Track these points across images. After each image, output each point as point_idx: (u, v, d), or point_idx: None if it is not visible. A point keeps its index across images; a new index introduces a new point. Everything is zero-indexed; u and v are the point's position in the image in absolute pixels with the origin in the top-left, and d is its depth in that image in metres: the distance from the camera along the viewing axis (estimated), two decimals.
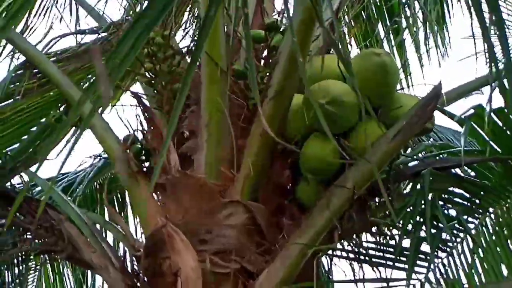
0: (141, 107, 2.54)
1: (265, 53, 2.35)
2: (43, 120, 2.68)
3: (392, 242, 2.17)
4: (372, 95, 1.92)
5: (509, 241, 2.40)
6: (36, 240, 2.61)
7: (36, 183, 3.00)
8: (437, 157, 2.28)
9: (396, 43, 2.92)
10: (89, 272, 3.52)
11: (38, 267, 3.20)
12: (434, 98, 1.78)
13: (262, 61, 2.34)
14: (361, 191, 1.92)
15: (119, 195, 3.52)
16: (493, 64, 0.98)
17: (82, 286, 3.47)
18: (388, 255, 2.09)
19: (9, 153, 2.59)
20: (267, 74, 2.25)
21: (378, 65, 1.86)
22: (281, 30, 2.29)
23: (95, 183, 3.53)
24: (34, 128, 2.67)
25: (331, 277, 2.25)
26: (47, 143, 2.69)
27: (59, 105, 2.73)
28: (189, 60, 2.63)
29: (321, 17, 1.42)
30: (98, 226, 2.68)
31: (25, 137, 2.68)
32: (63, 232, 2.46)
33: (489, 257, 2.32)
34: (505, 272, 2.35)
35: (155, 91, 2.58)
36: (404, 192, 2.29)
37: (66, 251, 2.44)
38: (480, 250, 2.33)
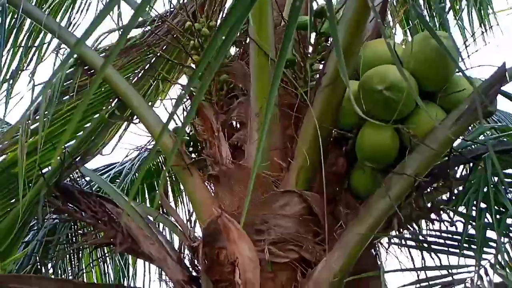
0: (190, 99, 2.56)
1: (313, 40, 2.31)
2: (96, 116, 2.74)
3: (451, 229, 2.12)
4: (431, 78, 1.86)
5: None
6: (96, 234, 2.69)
7: (84, 174, 3.07)
8: (498, 140, 2.20)
9: (438, 24, 2.79)
10: (130, 263, 3.54)
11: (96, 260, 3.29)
12: (497, 80, 1.71)
13: (311, 48, 2.31)
14: (421, 177, 1.88)
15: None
16: None
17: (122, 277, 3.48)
18: (448, 242, 2.04)
19: (67, 149, 2.67)
20: (318, 61, 2.22)
21: (437, 48, 1.79)
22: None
23: (136, 174, 3.57)
24: (89, 124, 2.74)
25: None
26: (101, 138, 2.76)
27: (111, 100, 2.79)
28: (235, 50, 2.62)
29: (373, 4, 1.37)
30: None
31: (80, 133, 2.75)
32: (122, 225, 2.53)
33: None
34: None
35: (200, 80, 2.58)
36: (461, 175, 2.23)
37: (125, 244, 2.51)
38: None
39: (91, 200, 2.62)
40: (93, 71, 2.75)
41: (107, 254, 3.33)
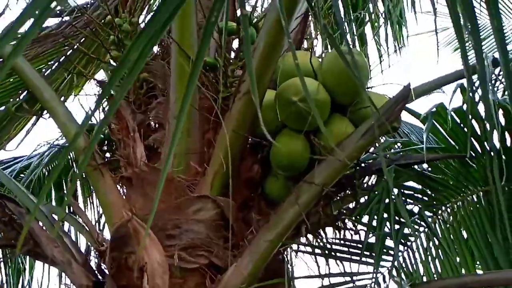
0: (108, 99, 2.45)
1: (236, 45, 2.33)
2: (2, 108, 2.55)
3: (355, 237, 2.23)
4: (342, 92, 1.95)
5: (464, 234, 2.52)
6: None
7: None
8: (401, 154, 2.35)
9: (357, 37, 2.94)
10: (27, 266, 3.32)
11: None
12: (403, 98, 1.83)
13: (233, 54, 2.32)
14: (329, 187, 1.95)
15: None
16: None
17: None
18: (352, 250, 2.14)
19: None
20: (239, 67, 2.24)
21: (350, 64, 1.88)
22: (253, 23, 2.27)
23: (44, 170, 3.36)
24: None
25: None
26: (6, 132, 2.57)
27: (19, 92, 2.60)
28: (157, 49, 2.57)
29: (285, 21, 1.42)
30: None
31: None
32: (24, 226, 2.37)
33: (446, 250, 2.44)
34: (459, 262, 2.48)
35: (121, 80, 2.50)
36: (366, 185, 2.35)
37: (27, 246, 2.35)
38: (437, 243, 2.44)
39: None
40: (0, 59, 2.55)
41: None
